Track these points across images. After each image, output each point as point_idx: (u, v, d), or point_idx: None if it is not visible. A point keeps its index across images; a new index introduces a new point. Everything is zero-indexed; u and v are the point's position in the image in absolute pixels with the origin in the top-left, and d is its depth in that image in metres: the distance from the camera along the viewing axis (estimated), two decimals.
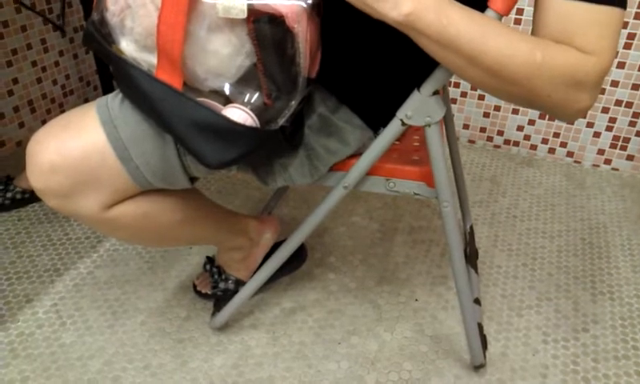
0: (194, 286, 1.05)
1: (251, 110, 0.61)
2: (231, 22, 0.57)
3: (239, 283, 0.98)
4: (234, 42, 0.58)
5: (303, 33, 0.57)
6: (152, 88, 0.59)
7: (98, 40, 0.60)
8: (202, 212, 0.86)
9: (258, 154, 0.69)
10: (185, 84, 0.61)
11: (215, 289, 0.99)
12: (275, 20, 0.56)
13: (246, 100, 0.62)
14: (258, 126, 0.62)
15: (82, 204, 0.68)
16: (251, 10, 0.55)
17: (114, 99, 0.67)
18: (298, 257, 1.05)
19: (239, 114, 0.60)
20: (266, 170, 0.74)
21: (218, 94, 0.62)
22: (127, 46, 0.60)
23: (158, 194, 0.76)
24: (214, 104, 0.61)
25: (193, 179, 0.75)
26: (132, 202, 0.73)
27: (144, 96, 0.60)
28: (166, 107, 0.59)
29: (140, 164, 0.67)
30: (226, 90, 0.61)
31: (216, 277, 0.99)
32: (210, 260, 1.03)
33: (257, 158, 0.72)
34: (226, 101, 0.62)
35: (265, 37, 0.58)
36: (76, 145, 0.64)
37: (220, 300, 1.00)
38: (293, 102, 0.62)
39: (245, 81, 0.61)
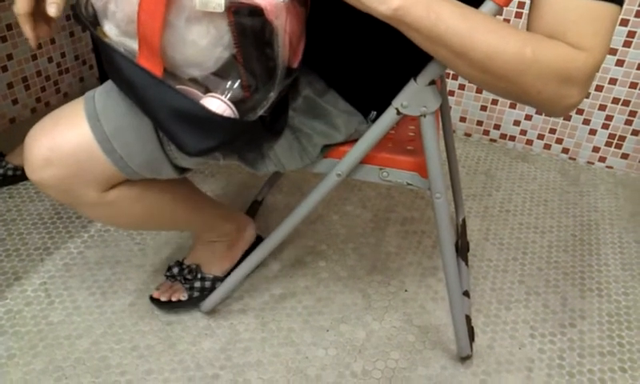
0: (156, 300, 0.98)
1: (230, 100, 0.62)
2: (210, 14, 0.57)
3: (216, 280, 0.97)
4: (213, 33, 0.58)
5: (282, 26, 0.58)
6: (133, 74, 0.59)
7: (84, 21, 0.60)
8: (195, 197, 0.90)
9: (238, 143, 0.69)
10: (166, 70, 0.61)
11: (191, 290, 0.97)
12: (255, 12, 0.56)
13: (225, 90, 0.62)
14: (237, 116, 0.62)
15: (80, 193, 0.71)
16: (231, 2, 0.55)
17: (101, 93, 0.69)
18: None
19: (218, 105, 0.61)
20: (253, 156, 0.74)
21: (198, 83, 0.63)
22: (110, 30, 0.60)
23: (147, 179, 0.77)
24: (194, 92, 0.62)
25: (183, 170, 0.76)
26: (125, 186, 0.75)
27: (127, 81, 0.61)
28: (146, 93, 0.60)
29: (124, 155, 0.68)
30: (205, 80, 0.62)
31: (189, 277, 0.97)
32: (177, 263, 1.00)
33: (238, 147, 0.73)
34: (206, 90, 0.62)
35: (244, 29, 0.58)
36: (65, 140, 0.67)
37: (197, 300, 0.98)
38: (271, 94, 0.62)
39: (224, 71, 0.62)
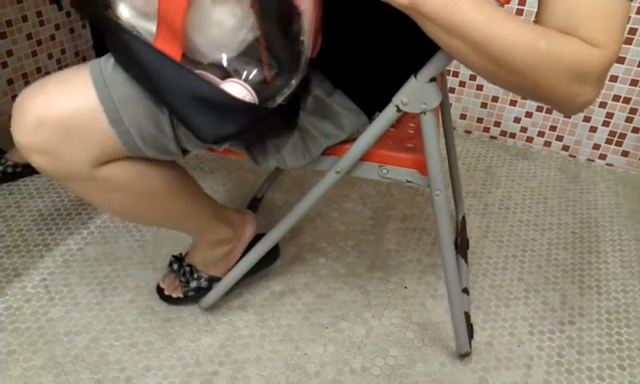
0: (161, 290, 1.00)
1: (250, 86, 0.60)
2: None
3: (213, 280, 0.97)
4: (239, 13, 0.56)
5: (309, 10, 0.56)
6: (148, 57, 0.57)
7: (93, 4, 0.59)
8: (192, 189, 0.85)
9: (255, 132, 0.67)
10: (183, 55, 0.59)
11: (186, 288, 0.97)
12: None
13: (245, 76, 0.60)
14: (257, 102, 0.61)
15: (72, 164, 0.65)
16: None
17: (108, 60, 0.65)
18: (270, 256, 1.02)
19: (238, 89, 0.59)
20: (258, 149, 0.73)
21: (217, 68, 0.61)
22: (125, 12, 0.58)
23: (147, 159, 0.73)
24: (213, 77, 0.60)
25: (185, 152, 0.74)
26: (121, 162, 0.70)
27: (139, 65, 0.58)
28: (162, 78, 0.58)
29: (131, 127, 0.65)
30: (226, 63, 0.60)
31: (187, 276, 0.97)
32: (177, 259, 1.00)
33: (252, 136, 0.71)
34: (225, 75, 0.61)
35: (270, 11, 0.56)
36: (66, 102, 0.62)
37: (193, 299, 0.98)
38: (293, 81, 0.61)
39: (246, 56, 0.60)
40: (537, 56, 0.53)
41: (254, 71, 0.60)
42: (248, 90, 0.60)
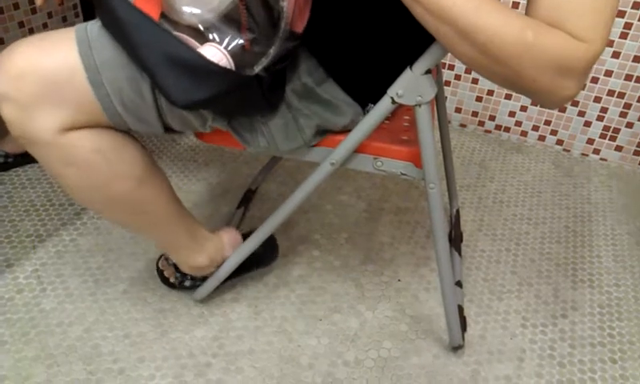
0: (161, 270, 0.99)
1: (228, 51, 0.59)
2: None
3: (206, 278, 0.96)
4: None
5: None
6: (127, 15, 0.57)
7: None
8: (167, 193, 0.80)
9: (230, 101, 0.66)
10: (162, 15, 0.58)
11: (180, 282, 0.98)
12: None
13: (224, 39, 0.60)
14: (233, 68, 0.60)
15: (40, 120, 0.63)
16: None
17: (94, 24, 0.65)
18: (269, 253, 1.02)
19: (214, 53, 0.58)
20: (245, 127, 0.72)
21: (196, 32, 0.60)
22: None
23: (122, 137, 0.71)
24: (190, 40, 0.59)
25: (167, 130, 0.72)
26: (92, 132, 0.67)
27: (119, 22, 0.58)
28: (139, 36, 0.57)
29: (111, 91, 0.64)
30: (205, 24, 0.59)
31: (181, 277, 0.97)
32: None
33: (230, 106, 0.69)
34: (204, 40, 0.60)
35: None
36: (48, 57, 0.62)
37: (188, 288, 0.98)
38: (271, 50, 0.60)
39: (225, 20, 0.59)
40: (522, 46, 0.53)
41: (233, 38, 0.60)
42: (224, 54, 0.59)
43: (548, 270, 1.14)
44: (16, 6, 1.51)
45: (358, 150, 0.77)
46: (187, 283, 0.98)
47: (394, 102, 0.70)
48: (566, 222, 1.29)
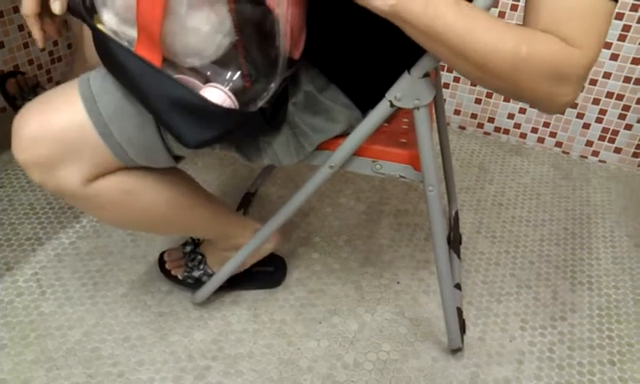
0: (162, 262, 1.01)
1: (230, 90, 0.61)
2: (211, 0, 0.56)
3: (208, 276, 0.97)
4: (214, 19, 0.57)
5: (283, 14, 0.57)
6: (130, 63, 0.58)
7: (80, 11, 0.59)
8: (193, 198, 0.83)
9: (237, 134, 0.68)
10: (165, 59, 0.60)
11: (187, 274, 0.98)
12: (256, 0, 0.56)
13: (225, 80, 0.61)
14: (237, 107, 0.61)
15: (63, 176, 0.67)
16: None
17: (96, 75, 0.67)
18: (276, 275, 1.05)
19: (217, 95, 0.60)
20: (250, 148, 0.74)
21: (198, 72, 0.62)
22: (110, 19, 0.58)
23: (142, 171, 0.74)
24: (193, 82, 0.61)
25: (178, 158, 0.74)
26: (114, 177, 0.71)
27: (123, 71, 0.59)
28: (144, 83, 0.59)
29: (121, 140, 0.67)
30: (205, 69, 0.61)
31: (195, 263, 0.97)
32: (193, 242, 1.00)
33: (237, 138, 0.72)
34: (206, 80, 0.61)
35: (245, 16, 0.57)
36: (56, 119, 0.65)
37: (190, 286, 0.99)
38: (272, 85, 0.61)
39: (224, 61, 0.61)
40: (517, 61, 0.54)
41: (234, 76, 0.61)
42: (227, 94, 0.60)
43: (547, 272, 1.14)
44: (16, 10, 1.52)
45: (357, 153, 0.77)
46: (195, 274, 0.98)
47: (392, 105, 0.70)
48: (565, 224, 1.29)
